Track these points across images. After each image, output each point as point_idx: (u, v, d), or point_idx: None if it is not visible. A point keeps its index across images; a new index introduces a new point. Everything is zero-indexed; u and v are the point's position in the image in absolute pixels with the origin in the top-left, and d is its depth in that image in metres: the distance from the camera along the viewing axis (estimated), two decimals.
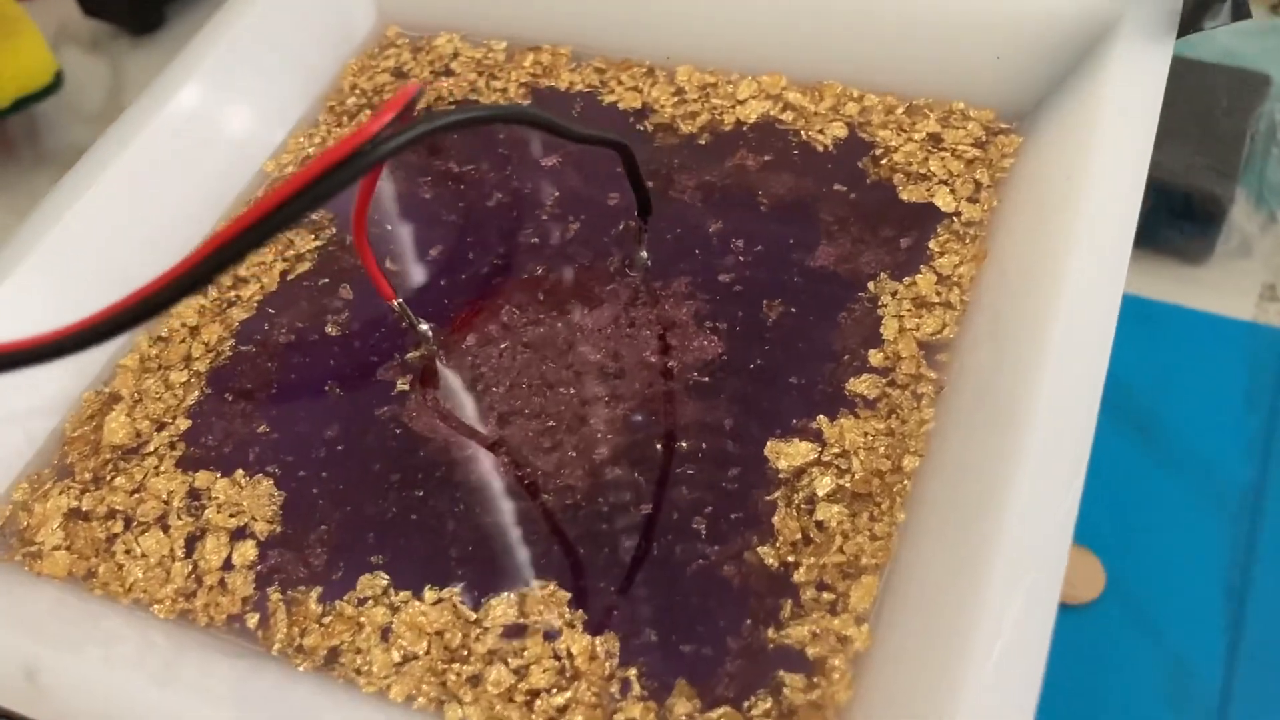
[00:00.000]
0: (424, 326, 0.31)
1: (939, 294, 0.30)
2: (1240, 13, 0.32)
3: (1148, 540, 0.53)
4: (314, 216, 0.35)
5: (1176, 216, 0.59)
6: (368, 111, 0.37)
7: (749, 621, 0.26)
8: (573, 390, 0.31)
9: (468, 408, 0.31)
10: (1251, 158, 0.59)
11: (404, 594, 0.27)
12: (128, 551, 0.28)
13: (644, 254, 0.32)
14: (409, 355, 0.31)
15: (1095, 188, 0.28)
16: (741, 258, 0.33)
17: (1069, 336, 0.26)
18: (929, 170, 0.33)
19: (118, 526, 0.29)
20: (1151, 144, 0.29)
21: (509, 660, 0.26)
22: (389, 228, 0.35)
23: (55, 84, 0.72)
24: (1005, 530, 0.23)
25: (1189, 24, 0.32)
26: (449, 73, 0.38)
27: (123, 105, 0.60)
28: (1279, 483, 0.53)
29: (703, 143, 0.35)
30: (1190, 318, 0.59)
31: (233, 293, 0.33)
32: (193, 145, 0.35)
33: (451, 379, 0.31)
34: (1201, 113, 0.60)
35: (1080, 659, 0.50)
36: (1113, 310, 0.26)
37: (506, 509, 0.29)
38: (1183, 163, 0.59)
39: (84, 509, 0.29)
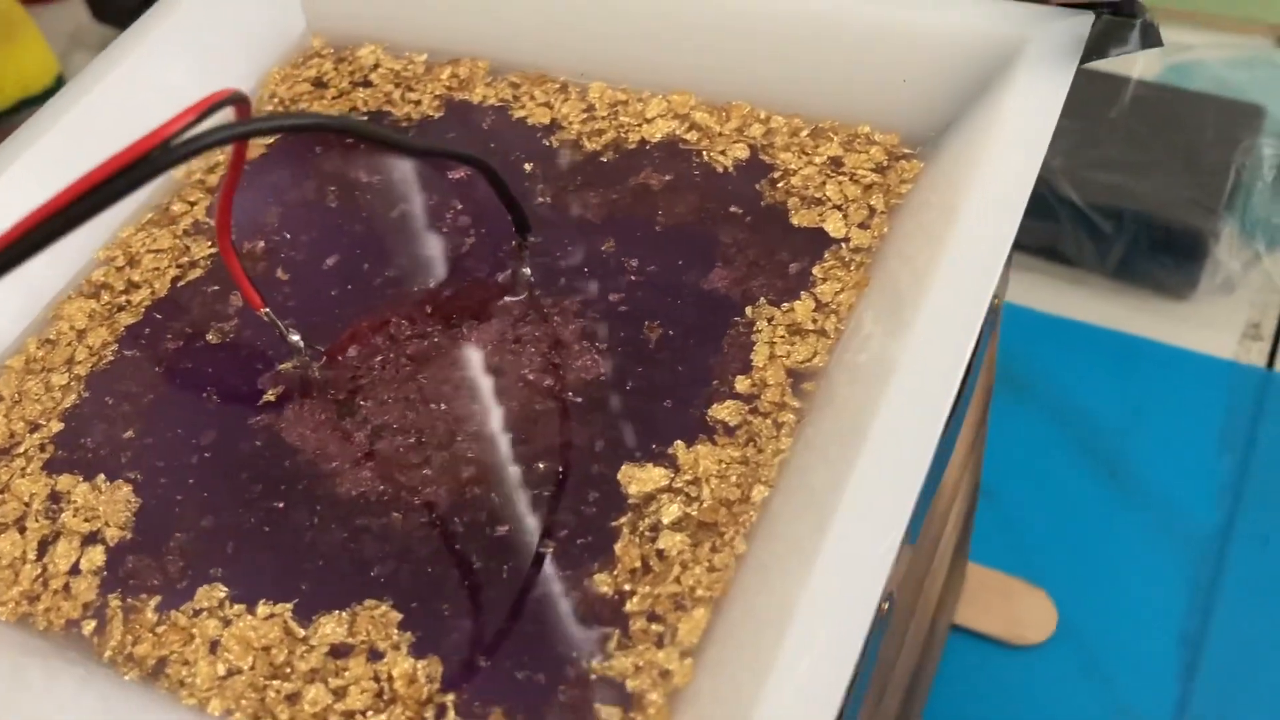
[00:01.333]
0: (295, 337, 0.31)
1: (815, 321, 0.29)
2: (1150, 40, 0.31)
3: (1105, 582, 0.52)
4: (211, 222, 0.35)
5: (1157, 250, 0.58)
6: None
7: (576, 651, 0.25)
8: (446, 406, 0.30)
9: (342, 420, 0.30)
10: (1238, 191, 0.57)
11: (238, 607, 0.27)
12: None
13: (526, 270, 0.32)
14: (282, 366, 0.31)
15: (967, 221, 0.27)
16: (634, 277, 0.32)
17: (910, 376, 0.25)
18: (824, 195, 0.32)
19: None
20: (1034, 176, 0.28)
21: (329, 680, 0.25)
22: (287, 235, 0.35)
23: (57, 86, 0.74)
24: (814, 573, 0.23)
25: (1095, 51, 0.31)
26: (367, 84, 0.38)
27: None
28: (1247, 528, 0.52)
29: (606, 160, 0.34)
30: (1168, 354, 0.58)
31: (123, 297, 0.33)
32: (104, 144, 0.35)
33: (329, 390, 0.31)
34: (1187, 144, 0.58)
35: (1024, 702, 0.49)
36: (961, 355, 0.25)
37: (362, 525, 0.28)
38: (1165, 195, 0.58)
39: None
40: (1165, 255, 0.57)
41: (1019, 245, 0.62)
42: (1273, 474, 0.53)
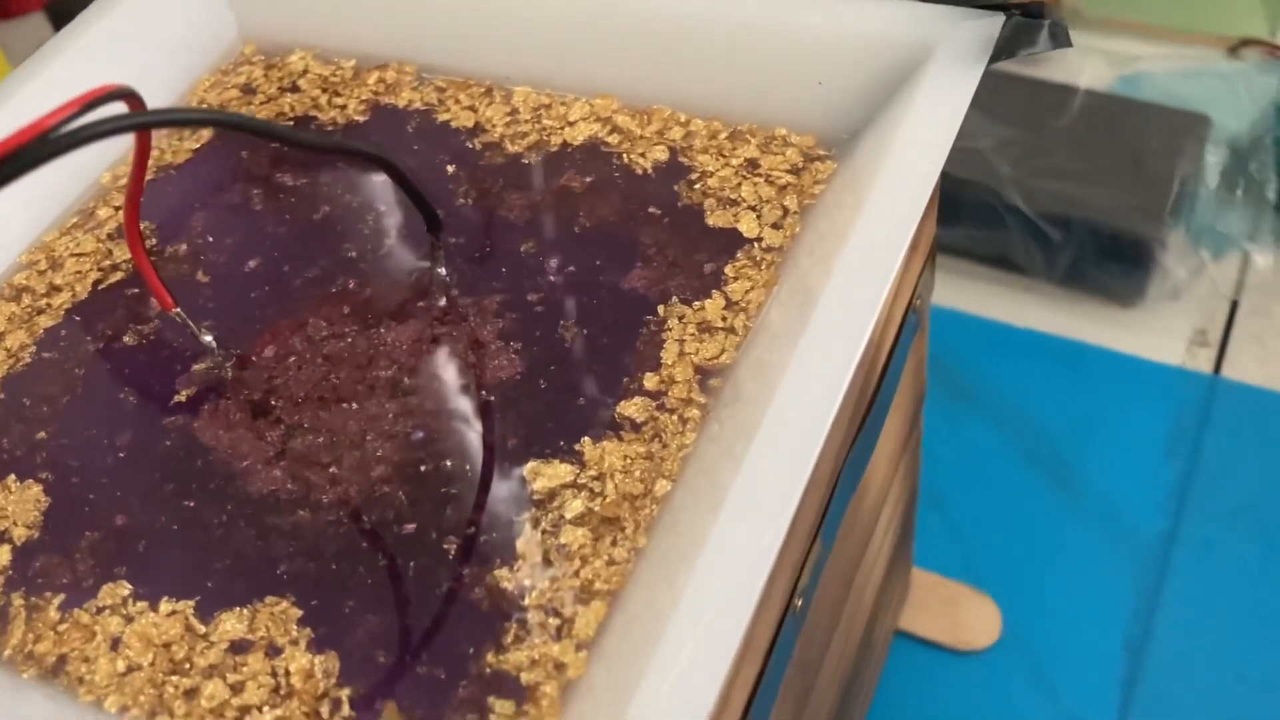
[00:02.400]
0: (208, 338, 0.31)
1: (724, 319, 0.30)
2: (1059, 40, 0.31)
3: (1050, 588, 0.52)
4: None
5: (1105, 257, 0.58)
6: (209, 129, 0.38)
7: (472, 646, 0.25)
8: (359, 406, 0.30)
9: (255, 420, 0.30)
10: (1183, 199, 0.57)
11: (141, 605, 0.27)
12: None
13: (441, 270, 0.32)
14: (196, 367, 0.31)
15: (869, 220, 0.28)
16: (553, 278, 0.32)
17: (802, 371, 0.25)
18: (740, 196, 0.32)
19: None
20: (937, 174, 0.28)
21: (227, 676, 0.25)
22: (211, 239, 0.35)
23: None
24: (701, 565, 0.23)
25: (1004, 51, 0.31)
26: (295, 89, 0.38)
27: None
28: (1191, 534, 0.52)
29: (528, 163, 0.35)
30: (1116, 361, 0.58)
31: (44, 300, 0.33)
32: None
33: (244, 390, 0.31)
34: (1134, 153, 0.59)
35: (969, 708, 0.49)
36: (852, 351, 0.26)
37: (270, 523, 0.28)
38: (1112, 203, 0.58)
39: None
40: (1113, 263, 0.58)
41: (968, 253, 0.62)
42: (1218, 480, 0.53)
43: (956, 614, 0.50)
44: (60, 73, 0.37)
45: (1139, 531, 0.52)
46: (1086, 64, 0.62)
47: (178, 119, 0.24)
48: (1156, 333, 0.58)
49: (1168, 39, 0.68)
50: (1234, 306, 0.58)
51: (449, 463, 0.29)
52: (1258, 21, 0.67)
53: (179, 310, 0.30)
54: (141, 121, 0.22)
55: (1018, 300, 0.60)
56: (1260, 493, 0.52)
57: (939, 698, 0.48)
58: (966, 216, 0.60)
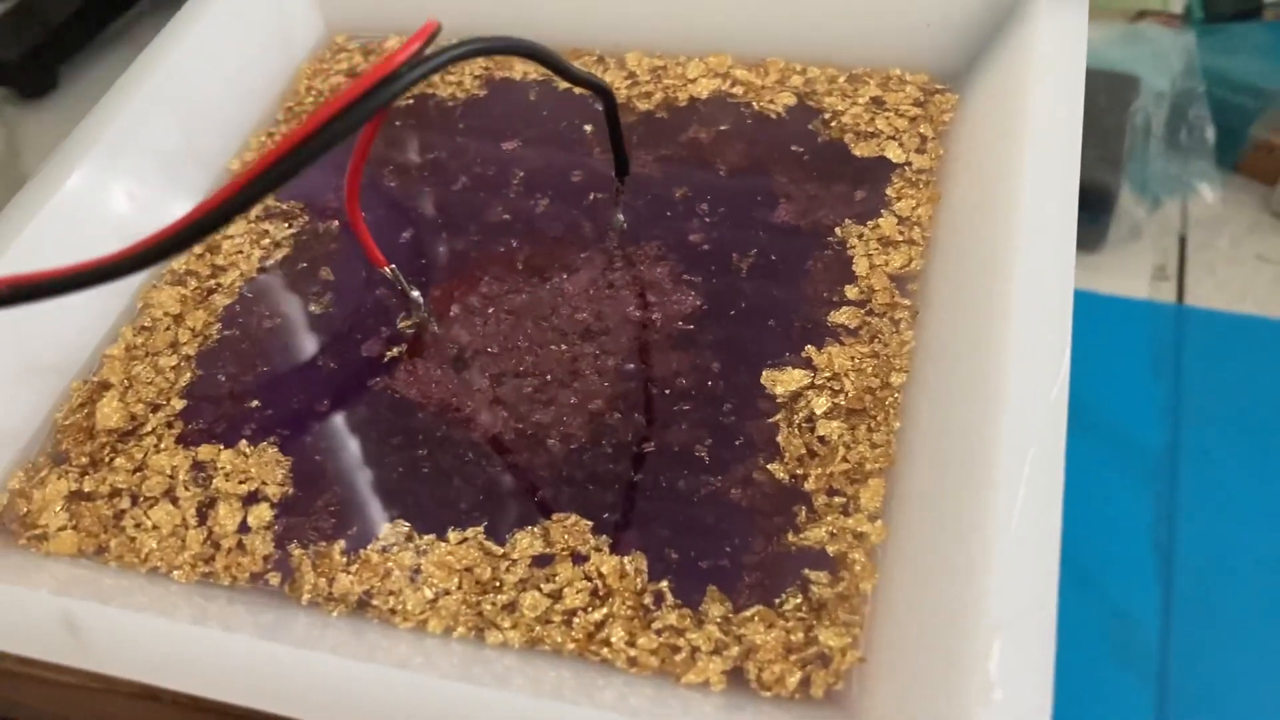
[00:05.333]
0: (415, 294, 0.32)
1: (901, 233, 0.32)
2: None
3: (1078, 505, 0.56)
4: (284, 206, 0.35)
5: None
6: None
7: (767, 531, 0.27)
8: (563, 347, 0.32)
9: (460, 371, 0.31)
10: (1132, 150, 0.63)
11: (428, 538, 0.28)
12: (138, 525, 0.28)
13: (620, 216, 0.34)
14: (400, 324, 0.32)
15: (1038, 128, 0.31)
16: (708, 219, 0.34)
17: (1033, 245, 0.28)
18: (876, 128, 0.35)
19: (124, 503, 0.29)
20: (1083, 82, 0.32)
21: (542, 586, 0.26)
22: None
23: None
24: (1003, 412, 0.25)
25: None
26: None
27: (18, 168, 0.59)
28: (1191, 442, 0.57)
29: (661, 117, 0.37)
30: (1092, 301, 0.63)
31: (213, 280, 0.34)
32: (149, 151, 0.35)
33: (441, 346, 0.32)
34: (1086, 111, 0.64)
35: None
36: (1070, 219, 0.29)
37: (512, 459, 0.29)
38: None
39: (85, 490, 0.29)
40: (1079, 211, 0.63)
41: None
42: (1202, 395, 0.58)
43: None
44: (169, 75, 0.37)
45: (1145, 445, 0.56)
46: None
47: (499, 47, 0.25)
48: (1121, 273, 0.63)
49: None
50: (1183, 242, 0.64)
51: (683, 380, 0.30)
52: None
53: (392, 266, 0.31)
54: (476, 49, 0.23)
55: None
56: (1242, 402, 0.58)
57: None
58: None
